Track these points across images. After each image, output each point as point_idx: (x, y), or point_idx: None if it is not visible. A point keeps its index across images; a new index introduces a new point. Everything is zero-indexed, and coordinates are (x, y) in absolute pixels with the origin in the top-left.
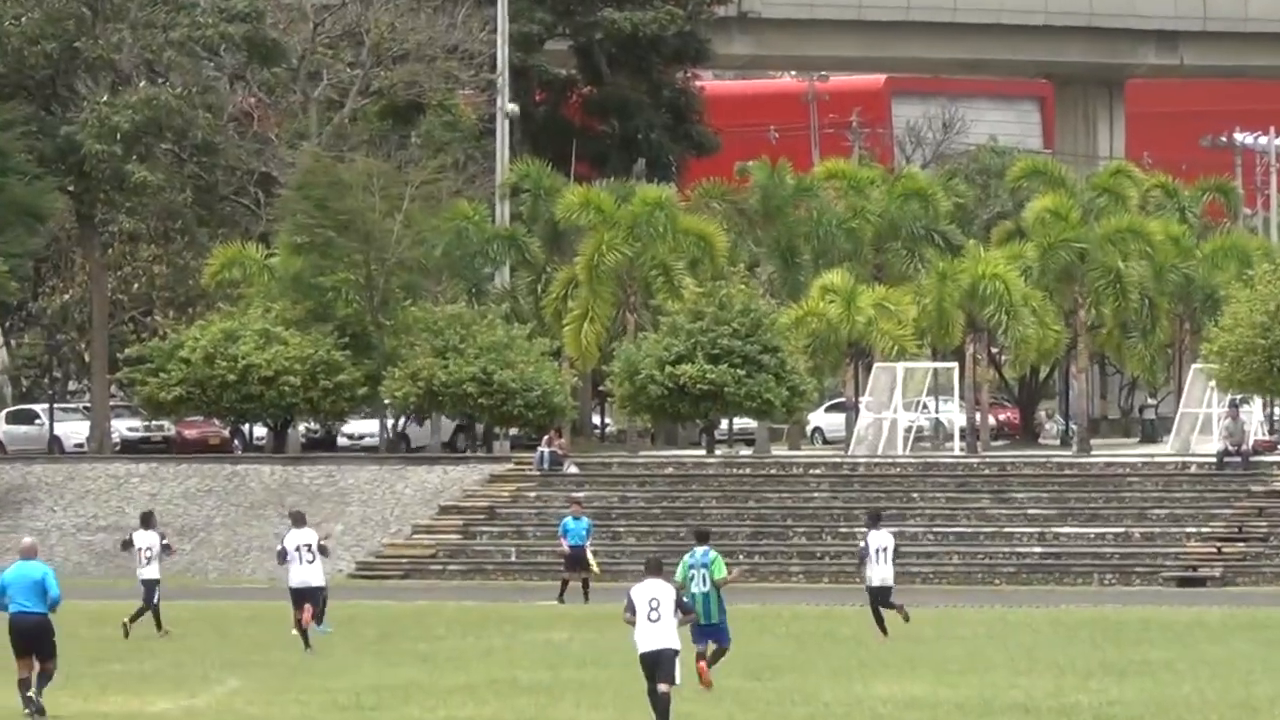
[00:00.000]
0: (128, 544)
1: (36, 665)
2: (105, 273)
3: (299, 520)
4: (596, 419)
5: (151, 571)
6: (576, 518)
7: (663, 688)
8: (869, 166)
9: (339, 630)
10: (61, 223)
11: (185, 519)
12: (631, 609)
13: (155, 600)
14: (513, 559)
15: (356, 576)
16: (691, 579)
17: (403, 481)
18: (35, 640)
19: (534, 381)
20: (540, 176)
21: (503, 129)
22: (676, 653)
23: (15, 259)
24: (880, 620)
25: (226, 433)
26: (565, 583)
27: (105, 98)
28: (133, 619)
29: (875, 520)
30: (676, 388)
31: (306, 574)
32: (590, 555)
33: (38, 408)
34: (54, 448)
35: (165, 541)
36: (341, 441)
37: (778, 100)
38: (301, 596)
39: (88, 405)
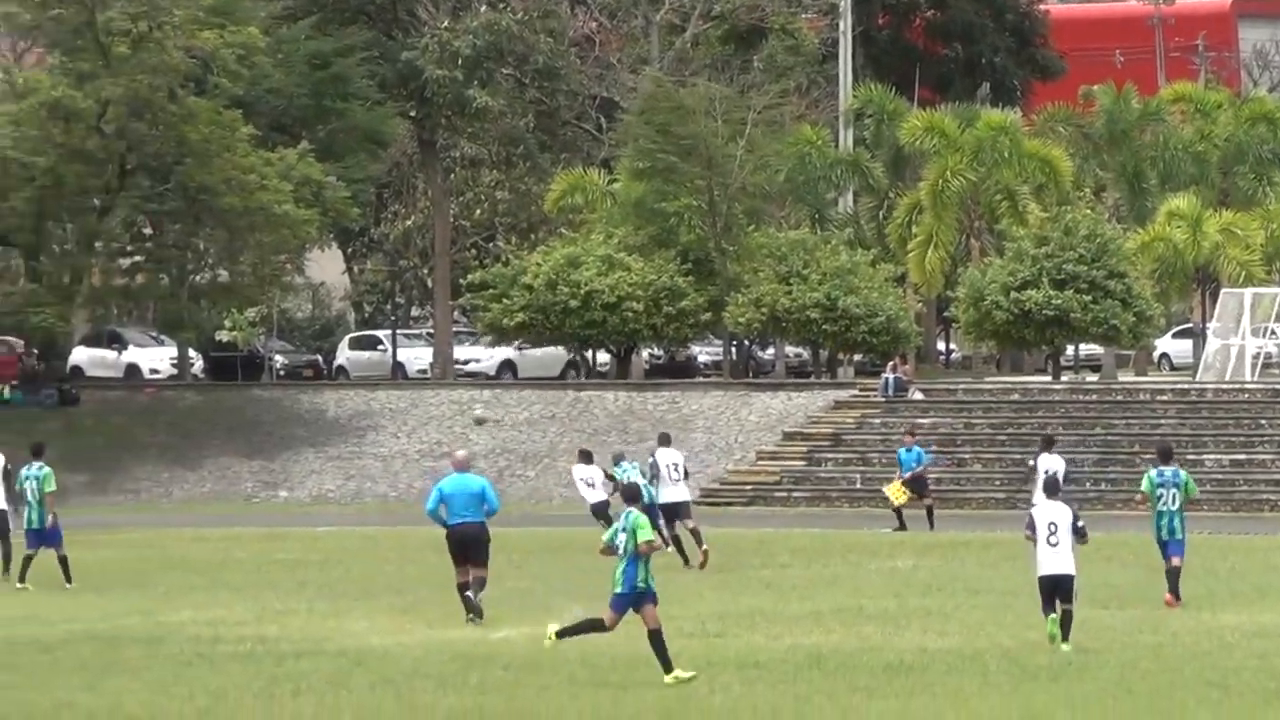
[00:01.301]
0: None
1: (472, 572)
2: (447, 198)
3: (666, 440)
4: (941, 345)
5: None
6: (908, 449)
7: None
8: (1215, 90)
9: (680, 558)
10: (403, 148)
11: (528, 445)
12: (1032, 528)
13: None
14: (857, 486)
15: (700, 503)
16: (1160, 497)
17: (747, 407)
18: (473, 547)
19: (878, 307)
20: (883, 101)
21: (845, 53)
22: (1073, 577)
23: (357, 185)
24: None
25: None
26: (898, 512)
27: (446, 23)
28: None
29: (1049, 444)
30: (1021, 313)
31: (678, 491)
32: (897, 484)
33: (381, 334)
34: (397, 374)
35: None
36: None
37: (1122, 23)
38: (673, 513)
39: (430, 331)
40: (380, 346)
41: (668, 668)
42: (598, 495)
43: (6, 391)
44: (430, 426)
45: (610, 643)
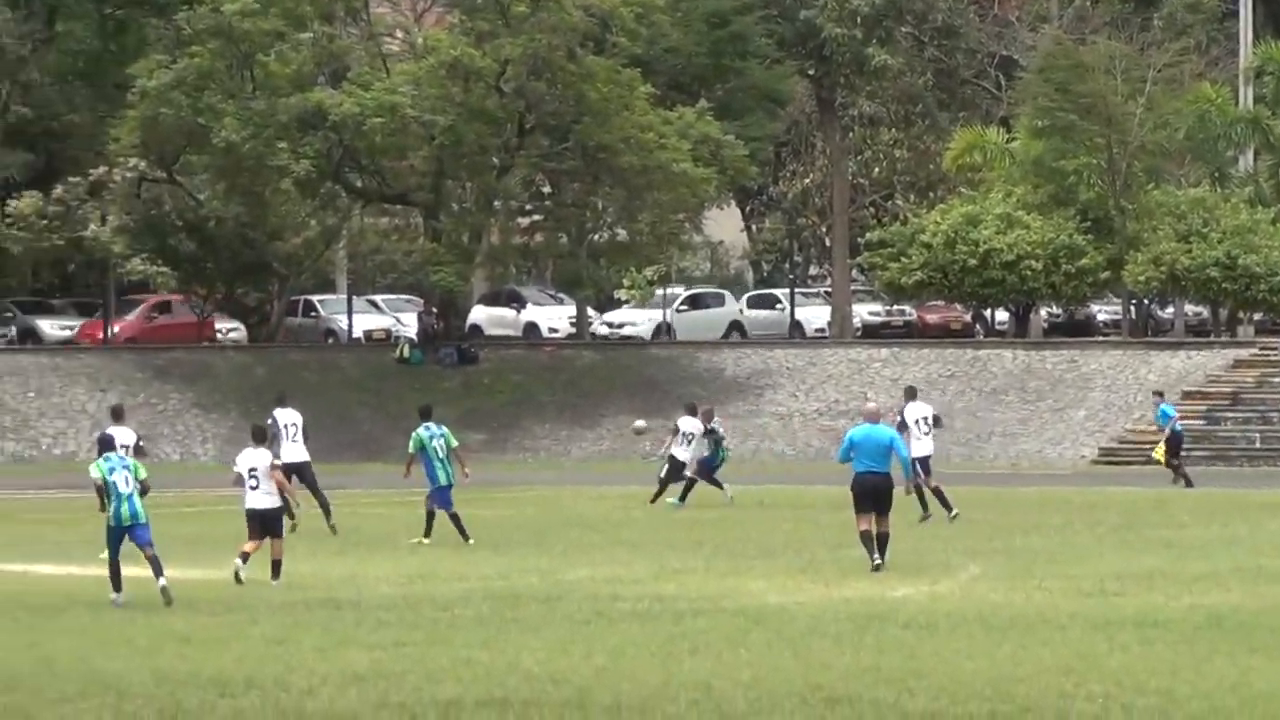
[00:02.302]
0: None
1: (875, 523)
2: (845, 157)
3: (912, 394)
4: None
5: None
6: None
7: None
8: None
9: (1079, 517)
10: (801, 106)
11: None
12: None
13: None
14: (1257, 445)
15: (1099, 462)
16: None
17: (1145, 366)
18: (878, 497)
19: (1279, 266)
20: None
21: (1246, 11)
22: None
23: (755, 143)
24: None
25: (968, 317)
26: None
27: None
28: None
29: None
30: None
31: (925, 446)
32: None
33: (778, 292)
34: (794, 332)
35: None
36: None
37: None
38: (922, 466)
39: (828, 290)
40: (778, 305)
41: None
42: (685, 452)
43: (406, 350)
44: (828, 385)
45: (1009, 602)
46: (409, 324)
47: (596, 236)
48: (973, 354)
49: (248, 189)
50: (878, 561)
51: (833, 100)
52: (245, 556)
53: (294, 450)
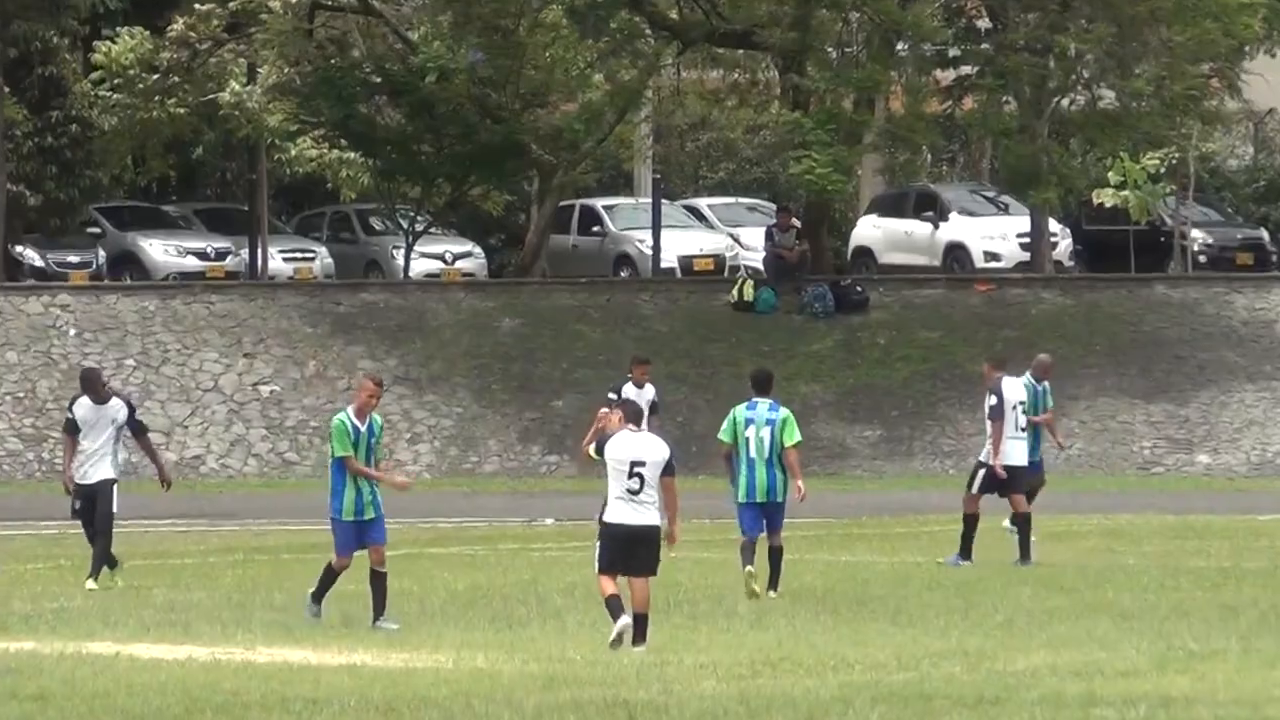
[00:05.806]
0: None
1: None
2: None
3: (999, 361)
4: None
5: None
6: None
7: None
8: None
9: None
10: None
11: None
12: None
13: None
14: None
15: None
16: None
17: None
18: None
19: None
20: None
21: None
22: None
23: None
24: None
25: None
26: None
27: None
28: None
29: None
30: None
31: None
32: None
33: None
34: None
35: None
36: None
37: None
38: None
39: None
40: None
41: None
42: None
43: (749, 288)
44: None
45: None
46: (754, 246)
47: (1066, 100)
48: None
49: (490, 23)
50: None
51: None
52: (613, 604)
53: None
